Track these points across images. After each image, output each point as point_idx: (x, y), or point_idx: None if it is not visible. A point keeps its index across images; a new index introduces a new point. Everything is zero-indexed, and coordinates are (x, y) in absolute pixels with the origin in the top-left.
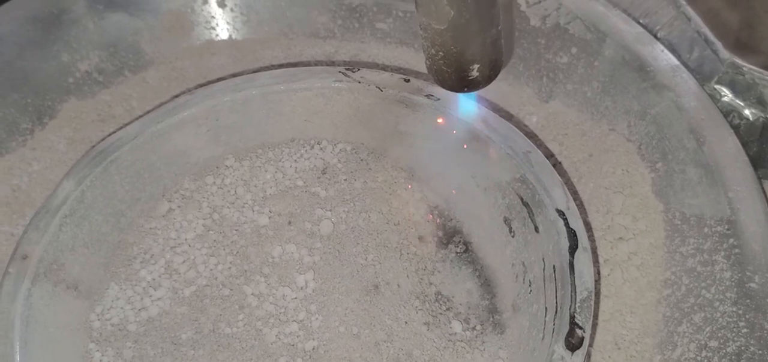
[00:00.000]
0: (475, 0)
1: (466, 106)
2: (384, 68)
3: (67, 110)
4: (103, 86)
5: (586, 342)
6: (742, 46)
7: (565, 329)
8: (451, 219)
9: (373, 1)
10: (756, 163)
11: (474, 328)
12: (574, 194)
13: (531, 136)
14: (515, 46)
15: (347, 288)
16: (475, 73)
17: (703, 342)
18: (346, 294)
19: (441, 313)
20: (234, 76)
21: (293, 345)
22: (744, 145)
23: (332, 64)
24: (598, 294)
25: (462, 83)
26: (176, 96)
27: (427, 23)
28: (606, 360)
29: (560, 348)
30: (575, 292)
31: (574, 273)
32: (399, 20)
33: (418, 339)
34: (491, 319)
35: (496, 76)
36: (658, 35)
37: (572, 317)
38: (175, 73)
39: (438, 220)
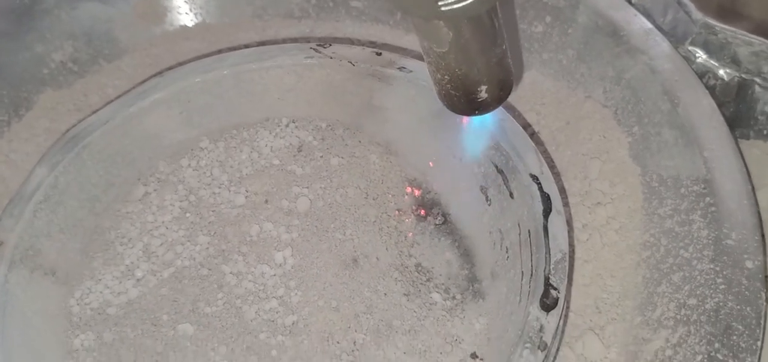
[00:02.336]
0: (473, 21)
1: None
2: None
3: (44, 101)
4: (79, 76)
5: (561, 302)
6: (725, 11)
7: (540, 290)
8: (430, 191)
9: None
10: (733, 122)
11: (454, 297)
12: (552, 162)
13: (508, 107)
14: None
15: (326, 262)
16: (483, 95)
17: (682, 301)
18: (324, 268)
19: (421, 284)
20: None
21: (273, 321)
22: (720, 105)
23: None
24: (575, 258)
25: (472, 106)
26: (147, 79)
27: (428, 47)
28: (587, 323)
29: (535, 309)
30: (550, 254)
31: (548, 236)
32: None
33: (398, 310)
34: (471, 288)
35: (507, 96)
36: (633, 0)
37: (547, 278)
38: (149, 59)
39: (416, 193)
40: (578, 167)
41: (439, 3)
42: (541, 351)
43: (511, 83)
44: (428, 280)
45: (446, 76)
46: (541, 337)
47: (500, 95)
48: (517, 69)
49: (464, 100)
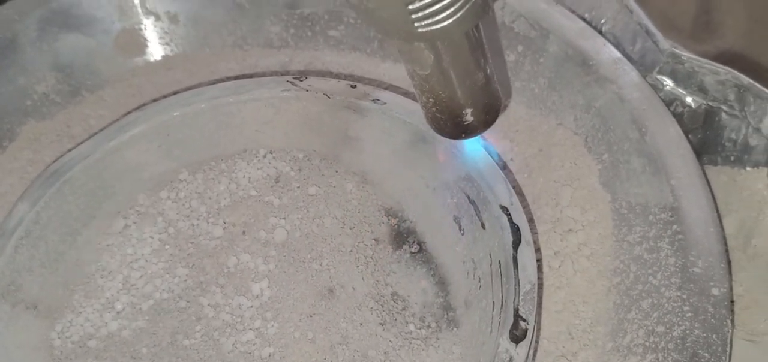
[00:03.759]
0: (455, 43)
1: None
2: (338, 75)
3: (27, 132)
4: (61, 107)
5: (529, 334)
6: (699, 33)
7: (510, 322)
8: (405, 221)
9: (324, 9)
10: (701, 149)
11: (429, 326)
12: (525, 188)
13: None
14: None
15: (302, 293)
16: (469, 118)
17: (650, 328)
18: (300, 300)
19: (397, 313)
20: (189, 89)
21: (250, 353)
22: (688, 132)
23: (287, 73)
24: (547, 285)
25: (458, 129)
26: (128, 113)
27: (412, 70)
28: (560, 350)
29: (505, 341)
30: (519, 285)
31: (517, 267)
32: (350, 27)
33: (374, 340)
34: (446, 316)
35: (493, 120)
36: (603, 29)
37: (516, 310)
38: (131, 90)
39: (392, 222)
40: (550, 194)
41: (416, 24)
42: None
43: (498, 107)
44: (404, 309)
45: (431, 99)
46: None
47: (486, 119)
48: (504, 93)
49: (450, 124)
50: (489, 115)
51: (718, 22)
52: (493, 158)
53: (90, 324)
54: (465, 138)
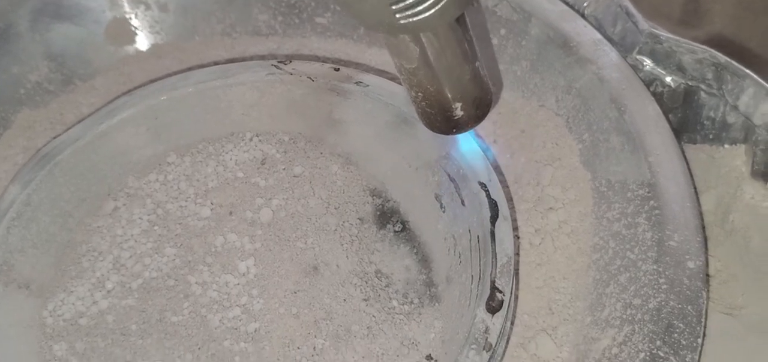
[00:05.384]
0: (440, 35)
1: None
2: (325, 61)
3: (21, 120)
4: (54, 95)
5: (506, 305)
6: (687, 18)
7: (487, 293)
8: (389, 200)
9: None
10: (681, 128)
11: (412, 302)
12: (507, 169)
13: None
14: None
15: (287, 271)
16: (459, 113)
17: (628, 301)
18: (285, 277)
19: (381, 289)
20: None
21: (236, 329)
22: (669, 111)
23: (273, 58)
24: (529, 262)
25: (449, 124)
26: (117, 97)
27: (399, 65)
28: (540, 324)
29: (482, 312)
30: (496, 259)
31: (495, 241)
32: (337, 14)
33: (357, 315)
34: (428, 292)
35: (484, 114)
36: (585, 12)
37: (493, 282)
38: (122, 78)
39: (376, 201)
40: (532, 173)
41: (398, 16)
42: (487, 351)
43: (489, 101)
44: (387, 286)
45: (420, 94)
46: (487, 338)
47: (477, 114)
48: (496, 85)
49: (440, 118)
50: (479, 109)
51: (706, 9)
52: (472, 136)
53: (81, 303)
54: (456, 133)
